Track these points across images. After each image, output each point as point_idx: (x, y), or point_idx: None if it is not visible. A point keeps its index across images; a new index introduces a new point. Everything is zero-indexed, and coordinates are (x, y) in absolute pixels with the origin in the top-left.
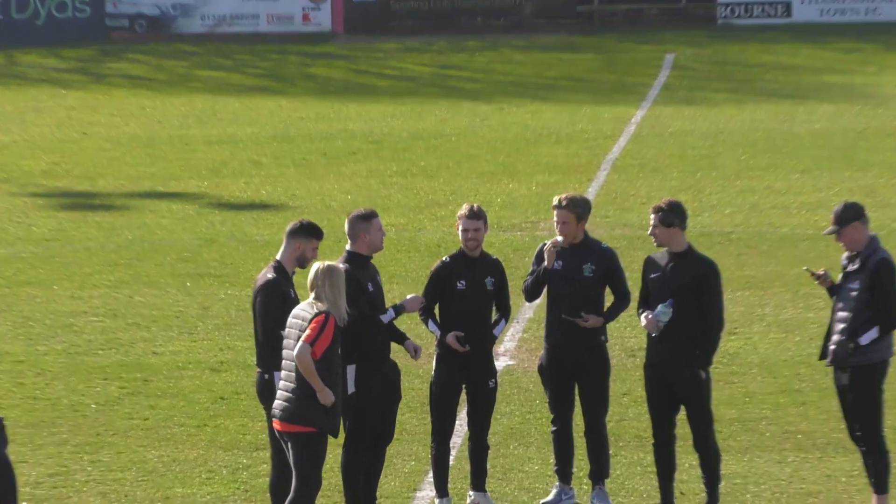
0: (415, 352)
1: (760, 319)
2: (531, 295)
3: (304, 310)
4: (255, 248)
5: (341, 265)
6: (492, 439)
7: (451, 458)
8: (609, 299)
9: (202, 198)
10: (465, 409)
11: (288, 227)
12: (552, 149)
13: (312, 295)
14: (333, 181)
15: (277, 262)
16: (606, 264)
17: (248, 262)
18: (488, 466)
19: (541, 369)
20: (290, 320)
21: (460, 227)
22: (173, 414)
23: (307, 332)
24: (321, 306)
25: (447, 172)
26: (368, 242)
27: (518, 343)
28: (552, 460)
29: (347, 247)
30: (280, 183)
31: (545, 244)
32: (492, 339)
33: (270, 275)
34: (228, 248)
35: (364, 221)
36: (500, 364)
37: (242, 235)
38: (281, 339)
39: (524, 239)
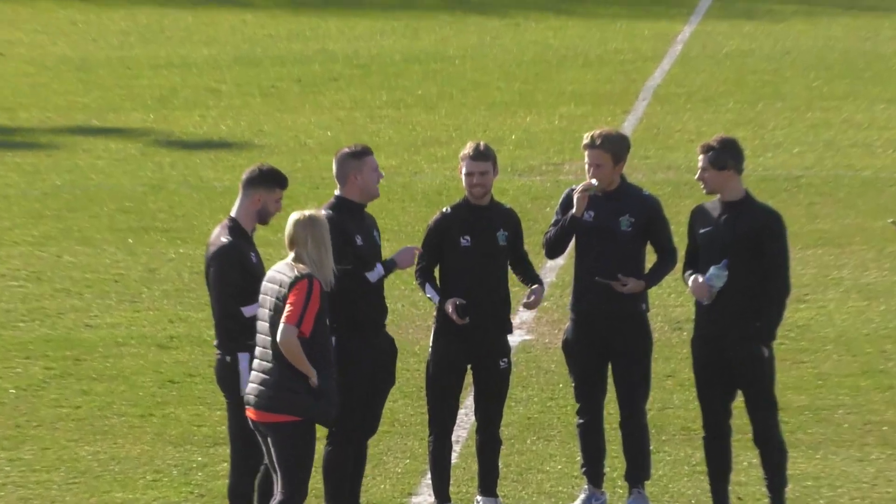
0: None
1: (836, 284)
2: (553, 250)
3: (282, 272)
4: (212, 197)
5: (324, 212)
6: (504, 432)
7: (455, 455)
8: (651, 259)
9: (147, 134)
10: (472, 395)
11: (244, 176)
12: (579, 74)
13: (291, 254)
14: (309, 114)
15: (232, 219)
16: (648, 215)
17: (203, 214)
18: (500, 466)
19: (566, 345)
20: (264, 285)
21: (464, 171)
22: (112, 401)
23: (288, 308)
24: (303, 269)
25: (450, 103)
26: (361, 186)
27: (537, 313)
28: (579, 458)
29: (336, 191)
30: (244, 116)
31: (574, 188)
32: (505, 308)
33: (225, 238)
34: (180, 197)
35: (355, 160)
36: (514, 339)
37: (197, 181)
38: (242, 315)
39: (545, 185)
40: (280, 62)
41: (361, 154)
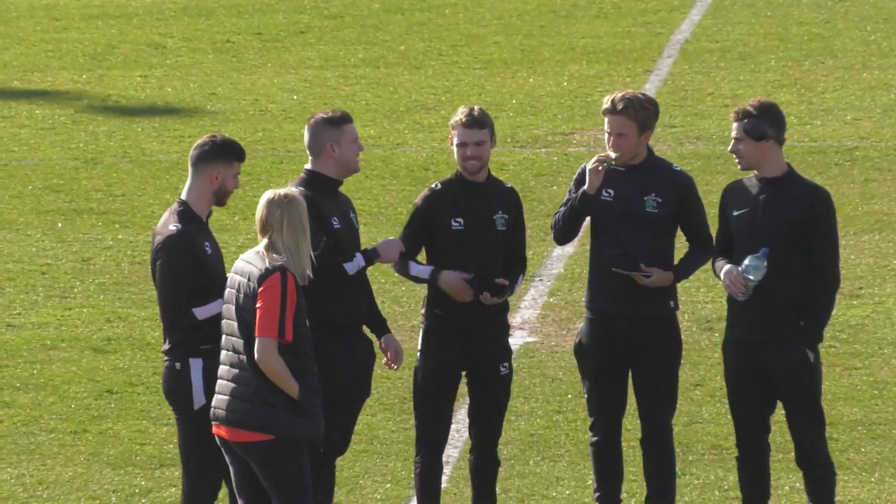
0: (393, 356)
1: None
2: (563, 234)
3: (251, 262)
4: (157, 173)
5: (295, 189)
6: (503, 451)
7: (445, 478)
8: (680, 248)
9: (79, 98)
10: (465, 407)
11: (194, 152)
12: (592, 26)
13: (263, 241)
14: (271, 74)
15: (183, 203)
16: (679, 195)
17: (146, 193)
18: (498, 490)
19: (579, 349)
20: (231, 277)
21: (455, 140)
22: (38, 415)
23: (261, 314)
24: (275, 259)
25: (438, 61)
26: (338, 159)
27: (541, 311)
28: (591, 482)
29: (307, 165)
30: (194, 77)
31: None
32: (503, 304)
33: (174, 225)
34: (119, 173)
35: (333, 128)
36: (515, 342)
37: (139, 153)
38: (195, 317)
39: (551, 159)
40: (237, 12)
41: (340, 121)
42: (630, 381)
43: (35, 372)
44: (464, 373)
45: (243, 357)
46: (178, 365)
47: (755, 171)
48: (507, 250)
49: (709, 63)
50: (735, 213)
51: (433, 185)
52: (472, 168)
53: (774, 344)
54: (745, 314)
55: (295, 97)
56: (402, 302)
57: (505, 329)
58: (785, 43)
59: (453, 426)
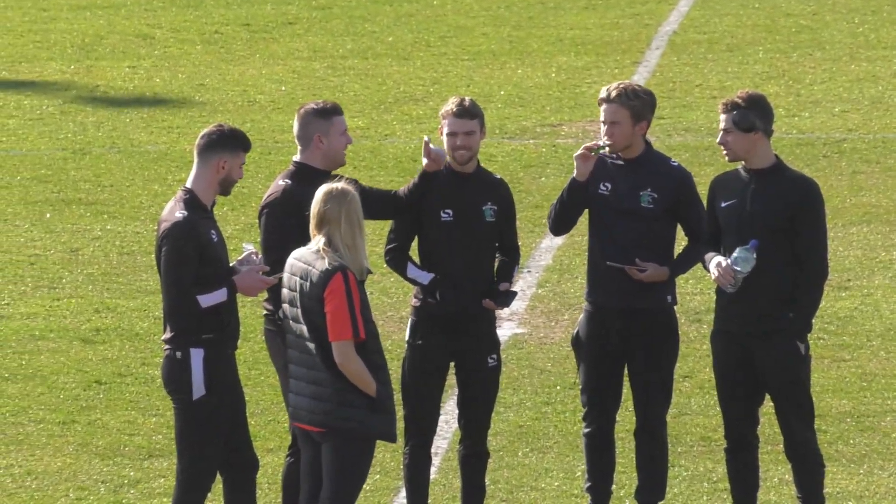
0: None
1: (885, 268)
2: (557, 223)
3: (308, 262)
4: (145, 163)
5: (281, 182)
6: (492, 443)
7: (433, 469)
8: (678, 241)
9: (67, 89)
10: (453, 398)
11: (201, 140)
12: (581, 17)
13: (318, 238)
14: (259, 65)
15: (188, 191)
16: (676, 191)
17: (135, 184)
18: (487, 482)
19: (576, 342)
20: (287, 277)
21: (445, 131)
22: (27, 405)
23: (331, 319)
24: (334, 258)
25: (427, 52)
26: (325, 150)
27: (530, 302)
28: (580, 473)
29: (296, 156)
30: (182, 68)
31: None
32: (499, 296)
33: (180, 213)
34: (107, 163)
35: (322, 119)
36: (503, 333)
37: (127, 144)
38: (198, 305)
39: (539, 150)
40: (225, 3)
41: (330, 113)
42: (626, 373)
43: (23, 362)
44: (452, 364)
45: (314, 358)
46: (178, 354)
47: (743, 163)
48: (498, 241)
49: (697, 55)
50: (723, 205)
51: None
52: (461, 158)
53: (762, 336)
54: (733, 306)
55: (283, 88)
56: (390, 293)
57: (493, 320)
58: (773, 34)
59: (442, 417)
